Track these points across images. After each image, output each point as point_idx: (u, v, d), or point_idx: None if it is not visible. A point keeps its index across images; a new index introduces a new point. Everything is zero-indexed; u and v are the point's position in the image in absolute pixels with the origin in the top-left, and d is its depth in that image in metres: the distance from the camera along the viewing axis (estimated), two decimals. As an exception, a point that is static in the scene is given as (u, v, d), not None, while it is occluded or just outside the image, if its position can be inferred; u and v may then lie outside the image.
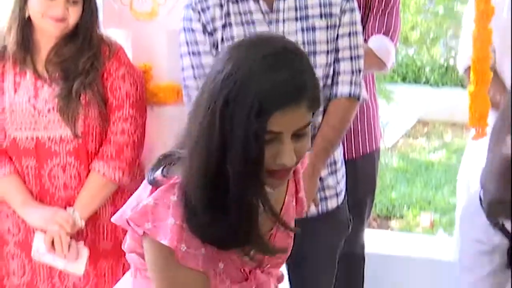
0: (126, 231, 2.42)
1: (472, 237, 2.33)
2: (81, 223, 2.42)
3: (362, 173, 2.94)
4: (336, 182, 2.49)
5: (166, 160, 1.54)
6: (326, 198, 2.46)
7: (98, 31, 2.51)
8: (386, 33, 2.92)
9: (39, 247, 2.45)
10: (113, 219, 1.57)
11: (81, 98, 2.41)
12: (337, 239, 2.57)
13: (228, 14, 2.37)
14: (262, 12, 2.35)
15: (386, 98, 5.95)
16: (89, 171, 2.48)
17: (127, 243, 1.67)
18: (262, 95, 1.31)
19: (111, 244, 2.57)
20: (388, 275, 3.22)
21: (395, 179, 5.50)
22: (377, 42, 2.90)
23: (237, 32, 2.35)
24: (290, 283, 2.70)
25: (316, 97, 1.40)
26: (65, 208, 2.46)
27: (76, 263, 2.47)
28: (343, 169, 2.53)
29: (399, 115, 6.39)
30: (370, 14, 2.95)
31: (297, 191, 1.70)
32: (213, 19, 2.36)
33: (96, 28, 2.50)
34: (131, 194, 2.43)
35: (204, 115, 1.38)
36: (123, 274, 2.43)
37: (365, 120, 3.01)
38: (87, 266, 2.47)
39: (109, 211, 2.55)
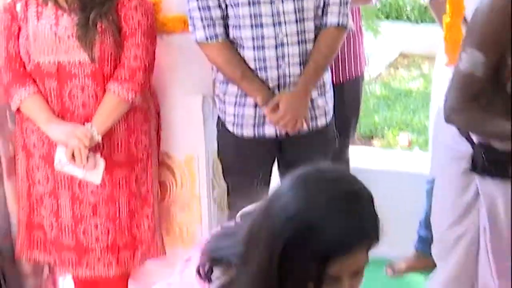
0: (138, 144, 2.56)
1: (442, 144, 2.41)
2: (98, 138, 2.48)
3: (348, 95, 3.00)
4: (325, 103, 2.58)
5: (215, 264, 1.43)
6: (316, 117, 2.55)
7: None
8: None
9: (61, 159, 2.52)
10: None
11: (97, 26, 2.45)
12: (325, 153, 2.63)
13: None
14: None
15: (373, 32, 6.04)
16: (105, 91, 2.53)
17: None
18: (330, 240, 1.22)
19: (124, 156, 2.64)
20: (370, 187, 3.36)
21: (378, 105, 5.60)
22: None
23: None
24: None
25: (377, 237, 1.29)
26: (84, 124, 2.52)
27: (93, 173, 2.54)
28: (331, 91, 2.62)
29: (383, 49, 6.47)
30: None
31: None
32: None
33: None
34: (142, 113, 2.57)
35: (262, 251, 1.28)
36: (136, 183, 2.66)
37: (352, 48, 3.06)
38: (103, 175, 2.55)
39: (122, 127, 2.61)
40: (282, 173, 2.70)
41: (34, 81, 2.56)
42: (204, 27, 2.49)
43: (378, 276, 3.34)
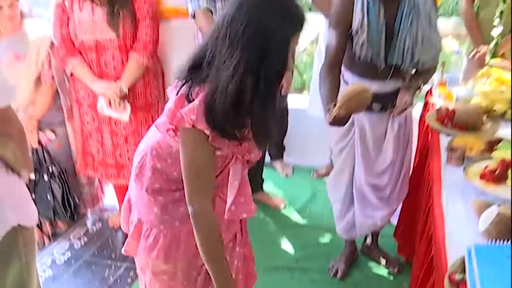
0: (152, 94, 2.89)
1: None
2: (125, 90, 2.78)
3: None
4: None
5: (195, 74, 1.48)
6: None
7: None
8: None
9: (102, 105, 2.80)
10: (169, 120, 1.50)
11: (120, 14, 2.73)
12: None
13: None
14: None
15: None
16: (128, 58, 2.80)
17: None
18: (291, 27, 1.43)
19: (144, 101, 2.92)
20: (302, 119, 3.72)
21: (305, 68, 5.63)
22: None
23: None
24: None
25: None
26: (115, 81, 2.79)
27: (123, 114, 2.82)
28: None
29: (309, 29, 6.60)
30: None
31: None
32: None
33: None
34: (153, 73, 2.91)
35: (242, 57, 1.36)
36: (152, 121, 2.76)
37: None
38: (130, 115, 2.85)
39: (141, 83, 2.86)
40: None
41: (81, 53, 2.80)
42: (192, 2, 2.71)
43: (307, 178, 3.86)
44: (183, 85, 1.51)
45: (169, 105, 1.53)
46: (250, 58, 1.38)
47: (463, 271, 1.40)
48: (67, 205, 3.12)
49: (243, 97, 1.41)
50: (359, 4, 2.23)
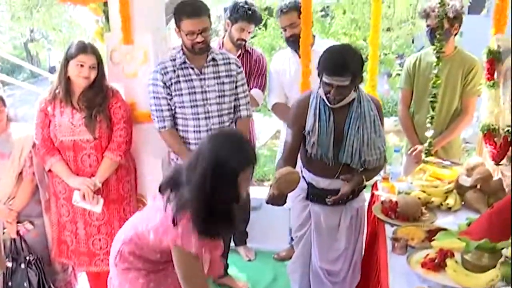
0: (124, 188, 2.88)
1: None
2: (99, 185, 2.77)
3: None
4: None
5: (174, 197, 1.77)
6: None
7: (106, 82, 2.82)
8: (259, 87, 3.33)
9: (76, 198, 2.77)
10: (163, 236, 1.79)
11: (97, 118, 2.75)
12: None
13: (178, 76, 2.67)
14: (196, 74, 2.68)
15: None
16: (102, 157, 2.80)
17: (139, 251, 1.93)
18: (238, 164, 1.69)
19: (116, 195, 2.89)
20: (263, 210, 3.69)
21: (266, 161, 5.82)
22: (255, 91, 3.29)
23: (183, 85, 2.66)
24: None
25: (256, 161, 1.79)
26: (90, 177, 2.78)
27: (96, 206, 2.79)
28: None
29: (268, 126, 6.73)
30: (251, 76, 3.33)
31: None
32: (170, 78, 2.66)
33: (104, 81, 2.81)
34: (125, 169, 2.90)
35: (200, 178, 1.67)
36: (123, 212, 2.88)
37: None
38: (103, 207, 2.82)
39: (114, 178, 2.86)
40: None
41: (59, 152, 2.80)
42: (159, 121, 2.76)
43: (269, 261, 3.77)
44: (167, 199, 1.81)
45: (159, 219, 1.82)
46: (209, 187, 1.67)
47: None
48: None
49: (212, 215, 1.72)
50: (312, 110, 2.35)
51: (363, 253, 2.75)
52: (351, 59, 2.24)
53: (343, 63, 2.21)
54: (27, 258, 2.94)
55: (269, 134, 7.02)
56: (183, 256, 1.78)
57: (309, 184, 2.55)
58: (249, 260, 3.85)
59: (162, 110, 2.74)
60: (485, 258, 1.80)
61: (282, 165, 2.37)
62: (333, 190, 2.45)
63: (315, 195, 2.55)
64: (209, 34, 2.67)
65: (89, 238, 2.93)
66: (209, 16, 2.65)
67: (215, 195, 1.69)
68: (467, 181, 2.60)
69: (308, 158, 2.46)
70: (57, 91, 2.78)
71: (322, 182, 2.48)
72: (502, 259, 1.82)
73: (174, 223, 1.74)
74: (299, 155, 2.54)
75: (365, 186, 2.59)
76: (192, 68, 2.69)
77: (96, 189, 2.79)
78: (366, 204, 2.94)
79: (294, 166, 2.42)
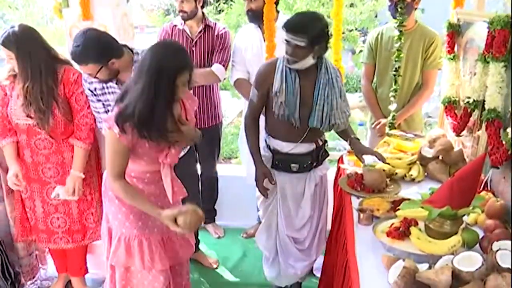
0: (86, 169, 2.79)
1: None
2: (83, 176, 2.77)
3: (209, 136, 3.19)
4: None
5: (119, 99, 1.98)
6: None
7: (53, 69, 2.61)
8: (221, 62, 3.23)
9: (59, 192, 2.74)
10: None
11: (47, 112, 2.61)
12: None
13: (102, 88, 2.52)
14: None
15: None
16: (57, 141, 2.72)
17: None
18: (176, 68, 1.88)
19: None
20: (228, 186, 3.72)
21: (232, 139, 5.88)
22: (216, 67, 3.19)
23: (108, 97, 2.54)
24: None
25: (192, 65, 1.98)
26: (45, 161, 2.75)
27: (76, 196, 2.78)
28: None
29: (235, 104, 6.55)
30: (213, 51, 3.26)
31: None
32: (95, 88, 2.54)
33: (47, 71, 2.58)
34: (95, 151, 2.88)
35: (144, 78, 1.87)
36: (84, 195, 2.83)
37: (212, 105, 3.36)
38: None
39: (70, 159, 2.78)
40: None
41: (16, 134, 2.73)
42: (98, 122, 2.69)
43: (237, 238, 3.82)
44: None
45: None
46: (149, 85, 1.87)
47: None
48: (7, 275, 2.95)
49: (145, 110, 1.90)
50: (279, 72, 2.42)
51: (330, 227, 2.79)
52: (311, 22, 2.31)
53: (302, 23, 2.31)
54: None
55: (235, 112, 7.03)
56: (108, 136, 1.99)
57: (273, 151, 2.58)
58: (218, 237, 3.87)
59: (98, 112, 2.65)
60: (447, 225, 1.85)
61: (251, 123, 2.58)
62: (297, 155, 2.52)
63: (280, 161, 2.58)
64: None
65: (47, 216, 2.92)
66: None
67: (155, 94, 1.88)
68: (429, 153, 2.66)
69: (274, 123, 2.52)
70: (14, 73, 2.67)
71: (286, 147, 2.52)
72: (463, 226, 1.89)
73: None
74: (263, 124, 2.63)
75: (328, 155, 2.67)
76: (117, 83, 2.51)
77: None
78: (333, 178, 3.01)
79: (257, 125, 2.58)
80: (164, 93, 1.89)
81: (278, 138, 2.56)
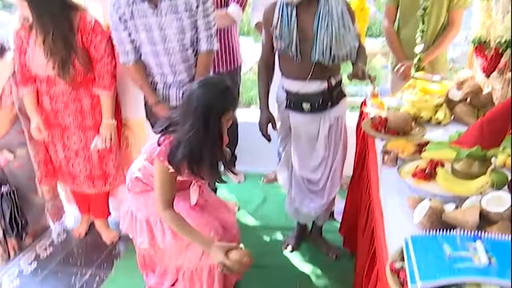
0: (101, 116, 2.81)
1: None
2: (114, 122, 2.80)
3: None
4: None
5: (165, 128, 2.07)
6: None
7: (70, 18, 2.59)
8: (237, 2, 3.18)
9: (97, 143, 2.82)
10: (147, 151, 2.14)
11: (68, 64, 2.62)
12: None
13: (131, 12, 2.52)
14: (151, 8, 2.50)
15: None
16: (77, 90, 2.73)
17: (141, 172, 2.25)
18: (222, 106, 1.96)
19: (92, 122, 2.83)
20: (250, 131, 3.50)
21: (251, 86, 5.81)
22: (232, 8, 3.17)
23: (138, 22, 2.53)
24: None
25: (237, 105, 2.07)
26: (65, 108, 2.77)
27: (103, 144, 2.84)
28: None
29: (255, 49, 6.35)
30: None
31: None
32: (123, 13, 2.52)
33: (64, 19, 2.57)
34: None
35: (192, 116, 1.95)
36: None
37: (230, 51, 3.33)
38: (79, 134, 2.83)
39: (88, 105, 2.79)
40: None
41: (35, 81, 2.73)
42: (122, 55, 2.66)
43: (258, 184, 3.87)
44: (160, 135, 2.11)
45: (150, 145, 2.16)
46: (197, 125, 1.95)
47: (402, 259, 1.43)
48: (14, 224, 3.00)
49: (196, 150, 2.00)
50: (277, 8, 2.41)
51: (350, 172, 2.79)
52: None
53: None
54: (2, 189, 2.94)
55: (255, 58, 6.74)
56: (159, 168, 2.07)
57: (286, 91, 2.58)
58: (239, 182, 3.90)
59: (123, 44, 2.63)
60: (475, 166, 1.81)
61: (263, 66, 2.60)
62: (308, 94, 2.50)
63: (292, 101, 2.57)
64: None
65: (69, 161, 2.99)
66: None
67: (204, 134, 1.97)
68: (457, 95, 2.59)
69: (282, 61, 2.53)
70: (29, 23, 2.64)
71: (296, 85, 2.51)
72: (491, 167, 1.84)
73: (159, 143, 2.06)
74: (278, 65, 2.59)
75: (345, 95, 2.63)
76: (147, 2, 2.49)
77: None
78: (354, 123, 2.99)
79: (270, 69, 2.60)
80: (212, 132, 1.98)
81: (288, 77, 2.55)
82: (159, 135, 2.10)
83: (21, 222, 3.02)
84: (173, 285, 2.48)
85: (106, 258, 3.08)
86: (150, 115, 2.86)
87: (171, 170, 2.05)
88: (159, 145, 2.06)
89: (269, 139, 2.67)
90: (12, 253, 3.11)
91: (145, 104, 2.86)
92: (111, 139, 2.83)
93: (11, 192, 2.96)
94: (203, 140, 1.98)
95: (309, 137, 2.64)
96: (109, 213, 3.30)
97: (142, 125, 3.16)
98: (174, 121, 2.08)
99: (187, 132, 1.97)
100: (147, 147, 2.20)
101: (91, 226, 3.36)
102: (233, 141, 3.74)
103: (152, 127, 2.89)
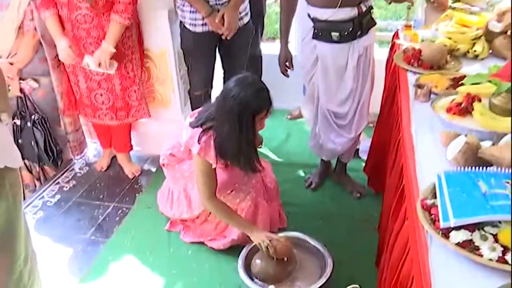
0: (124, 45, 2.83)
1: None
2: (114, 50, 2.73)
3: (253, 10, 3.04)
4: (245, 8, 2.86)
5: (203, 123, 2.22)
6: (241, 18, 2.85)
7: None
8: None
9: (88, 62, 2.76)
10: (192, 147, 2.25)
11: None
12: (247, 41, 2.99)
13: None
14: None
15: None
16: (98, 17, 2.69)
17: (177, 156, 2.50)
18: (257, 107, 2.07)
19: (117, 52, 2.78)
20: (274, 66, 3.63)
21: (277, 18, 5.36)
22: None
23: None
24: (224, 68, 3.09)
25: (271, 106, 2.15)
26: (86, 36, 2.74)
27: (111, 70, 2.80)
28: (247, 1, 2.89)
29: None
30: None
31: None
32: None
33: None
34: (130, 31, 2.82)
35: (227, 113, 2.07)
36: (125, 69, 2.86)
37: None
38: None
39: (122, 40, 2.80)
40: (222, 56, 3.01)
41: (56, 6, 2.70)
42: None
43: (282, 120, 3.85)
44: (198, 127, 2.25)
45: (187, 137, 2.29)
46: (233, 124, 2.08)
47: (434, 196, 1.38)
48: (49, 151, 3.06)
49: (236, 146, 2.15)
50: None
51: (376, 109, 2.73)
52: None
53: None
54: (33, 117, 2.96)
55: None
56: (201, 163, 2.23)
57: (313, 19, 2.48)
58: (262, 119, 3.85)
59: None
60: (515, 102, 1.71)
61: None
62: (337, 22, 2.41)
63: (320, 30, 2.48)
64: None
65: (91, 92, 2.98)
66: None
67: (240, 133, 2.08)
68: (497, 27, 2.45)
69: None
70: None
71: (325, 13, 2.41)
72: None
73: (199, 141, 2.19)
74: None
75: (375, 23, 2.53)
76: None
77: (111, 55, 2.76)
78: (384, 58, 2.88)
79: (292, 2, 2.55)
80: (246, 130, 2.10)
81: (315, 5, 2.44)
82: (196, 129, 2.24)
83: (56, 149, 3.08)
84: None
85: (128, 192, 3.12)
86: (189, 44, 2.92)
87: (213, 165, 2.22)
88: (198, 141, 2.19)
89: (287, 76, 2.69)
90: (37, 184, 3.18)
91: (180, 31, 2.90)
92: (100, 64, 2.74)
93: (42, 120, 2.99)
94: (238, 138, 2.11)
95: (337, 68, 2.56)
96: (131, 147, 3.31)
97: (164, 56, 3.13)
98: (210, 117, 2.21)
99: (224, 130, 2.11)
100: (184, 141, 2.32)
101: (113, 160, 3.39)
102: (257, 75, 3.61)
103: (186, 62, 2.97)
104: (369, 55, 2.56)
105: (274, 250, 2.19)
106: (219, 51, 3.03)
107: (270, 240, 2.20)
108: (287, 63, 2.68)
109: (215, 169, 2.28)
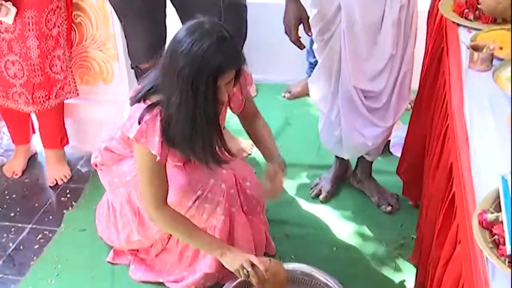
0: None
1: None
2: None
3: None
4: None
5: (146, 97, 2.19)
6: None
7: None
8: None
9: None
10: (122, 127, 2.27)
11: None
12: None
13: None
14: None
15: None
16: None
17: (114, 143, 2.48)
18: (217, 67, 2.00)
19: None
20: (265, 20, 3.70)
21: None
22: None
23: None
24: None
25: (242, 61, 2.11)
26: None
27: (7, 17, 2.85)
28: None
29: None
30: None
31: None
32: None
33: None
34: None
35: (180, 84, 2.02)
36: (46, 25, 2.92)
37: None
38: (14, 17, 2.86)
39: None
40: (177, 8, 3.04)
41: None
42: None
43: (276, 99, 3.85)
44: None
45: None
46: (186, 93, 2.03)
47: (498, 208, 1.38)
48: None
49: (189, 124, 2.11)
50: None
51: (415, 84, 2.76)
52: None
53: None
54: None
55: None
56: (142, 155, 2.21)
57: None
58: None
59: None
60: None
61: None
62: None
63: None
64: None
65: (1, 57, 3.01)
66: None
67: (194, 105, 2.05)
68: None
69: None
70: None
71: None
72: None
73: (140, 121, 2.15)
74: None
75: None
76: None
77: None
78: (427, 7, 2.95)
79: None
80: (204, 101, 2.06)
81: None
82: (136, 105, 2.19)
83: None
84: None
85: (52, 208, 3.13)
86: None
87: (158, 157, 2.18)
88: (139, 122, 2.15)
89: (301, 47, 2.64)
90: None
91: None
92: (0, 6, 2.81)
93: None
94: (192, 113, 2.07)
95: (368, 25, 2.56)
96: (67, 140, 3.37)
97: (103, 8, 3.16)
98: (155, 88, 2.18)
99: (173, 103, 2.07)
100: (120, 125, 2.32)
101: (31, 161, 3.42)
102: (239, 33, 3.60)
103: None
104: (413, 5, 2.59)
105: (259, 279, 2.16)
106: (172, 1, 3.03)
107: (252, 266, 2.18)
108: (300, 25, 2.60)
109: (164, 164, 2.26)
